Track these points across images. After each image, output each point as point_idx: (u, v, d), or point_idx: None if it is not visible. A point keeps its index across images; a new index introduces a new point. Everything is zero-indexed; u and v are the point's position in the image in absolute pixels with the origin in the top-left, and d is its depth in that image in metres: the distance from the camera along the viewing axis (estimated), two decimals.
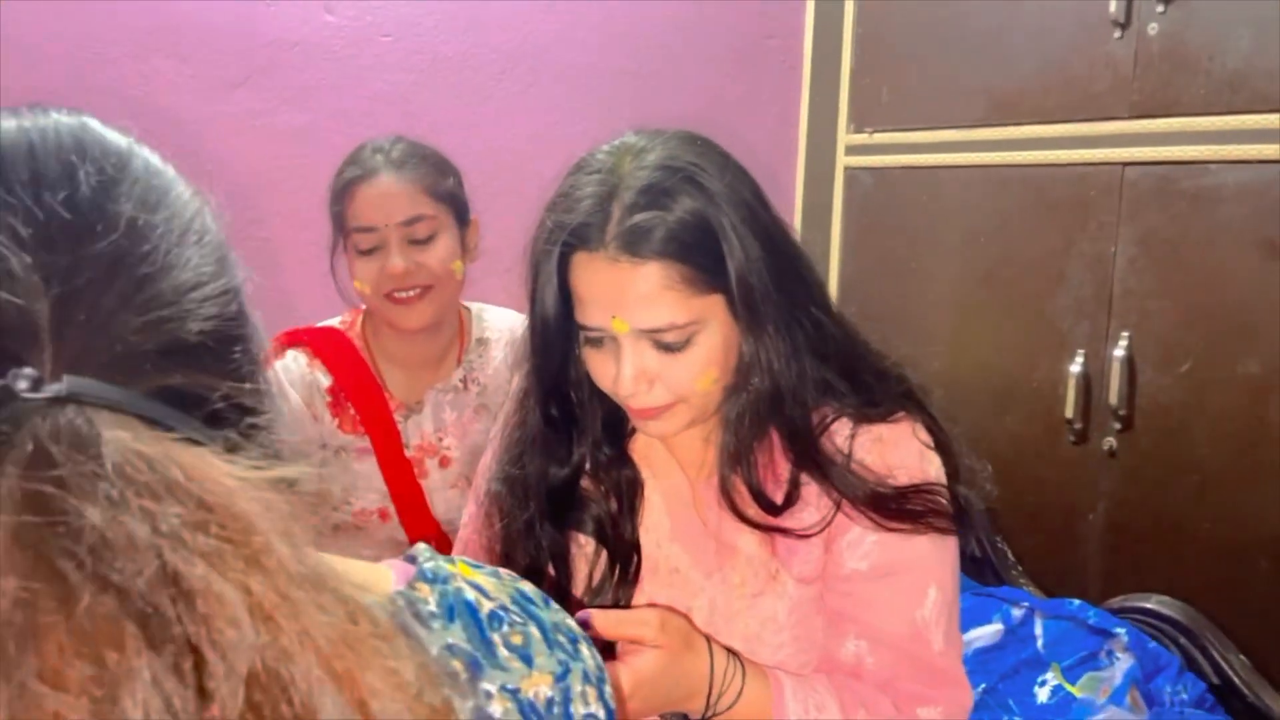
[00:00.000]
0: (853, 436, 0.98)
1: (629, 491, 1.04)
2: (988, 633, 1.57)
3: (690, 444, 1.04)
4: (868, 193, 2.24)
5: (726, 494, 0.98)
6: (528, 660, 0.53)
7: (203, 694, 0.37)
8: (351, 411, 1.53)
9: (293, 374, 1.52)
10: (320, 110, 2.11)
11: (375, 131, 1.56)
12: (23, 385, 0.40)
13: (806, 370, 0.95)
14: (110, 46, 1.99)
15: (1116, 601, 1.63)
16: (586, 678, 0.55)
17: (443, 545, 1.48)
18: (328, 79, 2.12)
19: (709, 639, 0.96)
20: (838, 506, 0.97)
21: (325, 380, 1.53)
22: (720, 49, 2.35)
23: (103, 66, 1.99)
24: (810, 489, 0.98)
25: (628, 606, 1.01)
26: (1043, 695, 1.49)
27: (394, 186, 1.44)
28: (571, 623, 0.57)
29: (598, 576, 1.03)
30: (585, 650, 0.57)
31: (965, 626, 1.51)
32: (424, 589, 0.53)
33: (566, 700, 0.54)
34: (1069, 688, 1.48)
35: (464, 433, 1.58)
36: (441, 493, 1.56)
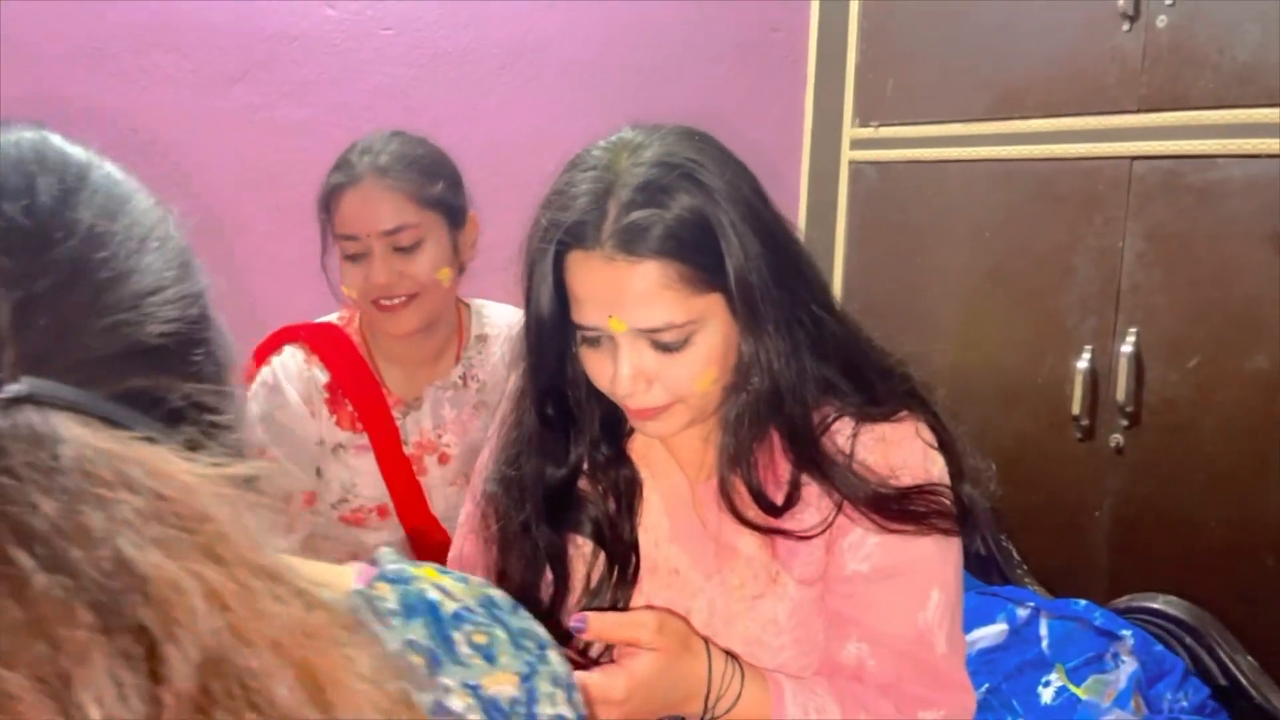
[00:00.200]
0: (854, 436, 0.97)
1: (627, 492, 1.03)
2: (992, 633, 1.56)
3: (689, 444, 1.03)
4: (873, 187, 2.22)
5: (726, 495, 0.97)
6: (490, 658, 0.53)
7: (156, 679, 0.37)
8: (349, 408, 1.52)
9: (290, 370, 1.51)
10: (320, 105, 2.10)
11: (376, 126, 1.54)
12: None
13: (807, 369, 0.94)
14: (110, 42, 1.98)
15: (1122, 602, 1.61)
16: (555, 680, 0.55)
17: (442, 543, 1.48)
18: (328, 73, 2.11)
19: (707, 641, 0.95)
20: (839, 507, 0.96)
21: (323, 376, 1.52)
22: (724, 43, 2.33)
23: (102, 62, 1.98)
24: (811, 489, 0.97)
25: (626, 608, 1.01)
26: (1047, 696, 1.48)
27: (377, 195, 1.42)
28: (540, 630, 0.57)
29: (596, 578, 1.02)
30: (553, 655, 0.56)
31: (969, 626, 1.50)
32: (384, 588, 0.53)
33: (532, 700, 0.53)
34: (1074, 689, 1.47)
35: (463, 430, 1.57)
36: (440, 490, 1.56)
